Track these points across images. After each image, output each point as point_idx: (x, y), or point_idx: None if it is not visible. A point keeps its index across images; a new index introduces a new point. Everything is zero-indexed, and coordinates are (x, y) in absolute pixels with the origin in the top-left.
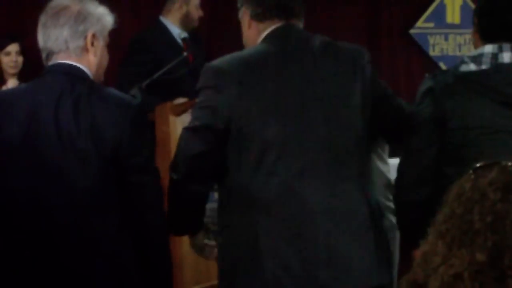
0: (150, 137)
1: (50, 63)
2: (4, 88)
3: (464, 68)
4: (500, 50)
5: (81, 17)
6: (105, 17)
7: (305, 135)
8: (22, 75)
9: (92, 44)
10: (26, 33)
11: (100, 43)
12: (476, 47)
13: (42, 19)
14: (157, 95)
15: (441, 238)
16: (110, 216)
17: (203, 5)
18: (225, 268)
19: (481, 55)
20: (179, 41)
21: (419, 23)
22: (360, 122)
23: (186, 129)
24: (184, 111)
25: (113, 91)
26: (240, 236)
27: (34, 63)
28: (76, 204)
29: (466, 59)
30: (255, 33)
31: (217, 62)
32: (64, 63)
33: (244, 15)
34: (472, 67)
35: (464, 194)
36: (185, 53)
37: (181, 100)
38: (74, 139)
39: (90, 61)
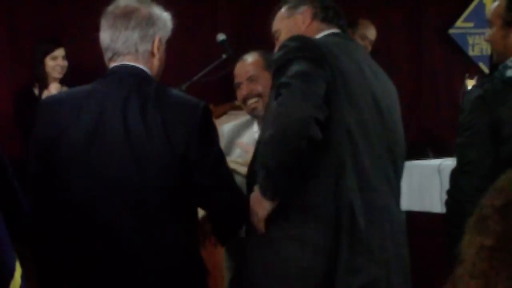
0: (217, 139)
1: (115, 64)
2: (46, 92)
3: (510, 73)
4: None
5: (151, 21)
6: (169, 23)
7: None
8: (65, 79)
9: (158, 48)
10: (67, 39)
11: (162, 48)
12: None
13: (109, 19)
14: (197, 97)
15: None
16: (175, 219)
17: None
18: None
19: None
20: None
21: (459, 22)
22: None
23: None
24: (224, 113)
25: (179, 93)
26: None
27: (74, 68)
28: (142, 207)
29: (510, 64)
30: (314, 31)
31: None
32: (130, 65)
33: (305, 13)
34: None
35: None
36: (223, 56)
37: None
38: (143, 140)
39: (153, 65)
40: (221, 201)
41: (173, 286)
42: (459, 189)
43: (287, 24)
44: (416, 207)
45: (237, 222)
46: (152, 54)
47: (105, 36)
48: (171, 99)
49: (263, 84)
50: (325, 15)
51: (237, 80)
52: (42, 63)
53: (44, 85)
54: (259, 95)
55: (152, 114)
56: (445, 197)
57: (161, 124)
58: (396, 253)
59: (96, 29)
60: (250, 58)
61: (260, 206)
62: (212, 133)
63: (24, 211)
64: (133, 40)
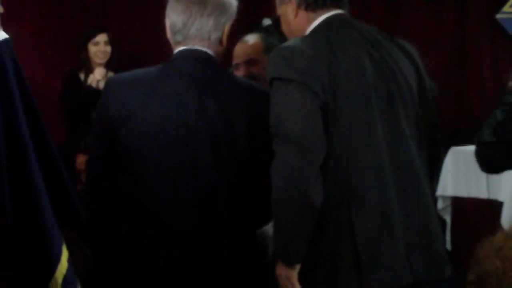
0: None
1: (182, 47)
2: (91, 77)
3: None
4: None
5: (224, 9)
6: (235, 9)
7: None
8: (109, 64)
9: (227, 36)
10: (112, 24)
11: (227, 36)
12: None
13: (182, 3)
14: None
15: None
16: (236, 204)
17: None
18: None
19: None
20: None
21: (506, 7)
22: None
23: None
24: None
25: (242, 78)
26: None
27: (119, 52)
28: (205, 191)
29: None
30: (304, 23)
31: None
32: (202, 50)
33: (289, 5)
34: None
35: None
36: None
37: None
38: (218, 128)
39: (219, 52)
40: (267, 190)
41: (234, 278)
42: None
43: (281, 11)
44: (463, 192)
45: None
46: (220, 42)
47: (177, 20)
48: (243, 86)
49: (261, 67)
50: (310, 1)
51: (235, 61)
52: (85, 49)
53: (89, 70)
54: (256, 78)
55: (225, 102)
56: (492, 183)
57: (235, 110)
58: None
59: (143, 14)
60: (251, 40)
61: (288, 280)
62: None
63: (72, 196)
64: (208, 28)
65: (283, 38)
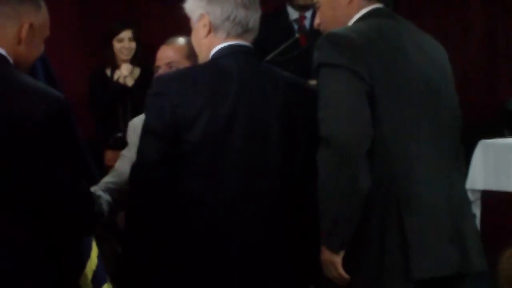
0: None
1: (231, 42)
2: (118, 73)
3: None
4: None
5: (257, 2)
6: None
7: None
8: (134, 60)
9: None
10: (138, 20)
11: None
12: None
13: None
14: None
15: None
16: (299, 196)
17: None
18: None
19: None
20: (293, 22)
21: None
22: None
23: None
24: None
25: (291, 75)
26: None
27: (145, 48)
28: (273, 190)
29: None
30: (354, 10)
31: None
32: (248, 45)
33: None
34: None
35: None
36: (297, 35)
37: None
38: (282, 121)
39: None
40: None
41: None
42: None
43: (333, 3)
44: (493, 186)
45: None
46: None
47: (240, 12)
48: (293, 81)
49: None
50: None
51: (157, 63)
52: (109, 45)
53: (115, 66)
54: None
55: (284, 96)
56: None
57: (292, 106)
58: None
59: (168, 9)
60: (174, 43)
61: (333, 266)
62: None
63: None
64: (257, 20)
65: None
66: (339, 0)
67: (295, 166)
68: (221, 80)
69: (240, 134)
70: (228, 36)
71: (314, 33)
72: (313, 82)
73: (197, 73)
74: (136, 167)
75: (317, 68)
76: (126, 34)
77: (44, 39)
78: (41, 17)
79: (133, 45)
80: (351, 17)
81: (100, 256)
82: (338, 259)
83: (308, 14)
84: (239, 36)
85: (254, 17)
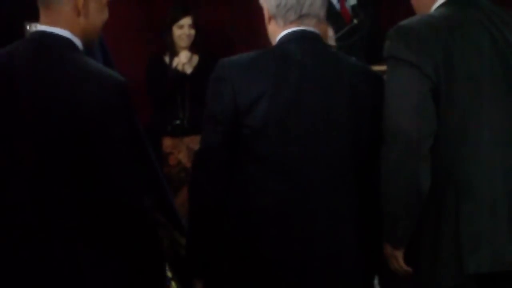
0: None
1: (294, 28)
2: (176, 60)
3: None
4: None
5: None
6: None
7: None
8: (193, 47)
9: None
10: (199, 6)
11: None
12: None
13: None
14: None
15: None
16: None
17: None
18: None
19: None
20: (336, 4)
21: None
22: None
23: None
24: None
25: (354, 60)
26: None
27: (205, 35)
28: (339, 179)
29: None
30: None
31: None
32: (313, 31)
33: None
34: None
35: None
36: (355, 21)
37: None
38: (347, 108)
39: (324, 33)
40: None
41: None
42: None
43: None
44: None
45: None
46: (323, 20)
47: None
48: (360, 67)
49: None
50: None
51: None
52: (169, 32)
53: (174, 53)
54: None
55: (350, 83)
56: None
57: (359, 93)
58: None
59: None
60: None
61: (394, 259)
62: None
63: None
64: (318, 3)
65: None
66: None
67: (362, 154)
68: (282, 65)
69: (303, 120)
70: (286, 23)
71: (357, 12)
72: (377, 67)
73: (258, 58)
74: (199, 153)
75: (386, 59)
76: (186, 21)
77: (105, 3)
78: None
79: (192, 32)
80: (429, 7)
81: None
82: (399, 253)
83: None
84: (295, 22)
85: (309, 2)
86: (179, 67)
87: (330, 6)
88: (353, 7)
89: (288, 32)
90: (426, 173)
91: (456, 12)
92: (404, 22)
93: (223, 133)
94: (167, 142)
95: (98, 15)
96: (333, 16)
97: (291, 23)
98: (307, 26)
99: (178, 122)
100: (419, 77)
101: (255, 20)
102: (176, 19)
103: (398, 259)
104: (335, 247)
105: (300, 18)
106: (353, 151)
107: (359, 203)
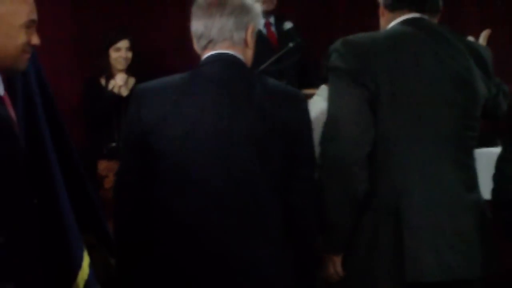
0: None
1: (210, 52)
2: (113, 82)
3: None
4: None
5: (245, 9)
6: (260, 14)
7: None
8: (129, 70)
9: (251, 37)
10: (136, 29)
11: (254, 39)
12: None
13: (203, 7)
14: None
15: None
16: (279, 211)
17: None
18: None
19: None
20: (262, 29)
21: None
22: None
23: None
24: None
25: (276, 81)
26: None
27: (142, 58)
28: (245, 197)
29: None
30: (385, 22)
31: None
32: (228, 53)
33: (381, 5)
34: None
35: None
36: (290, 44)
37: None
38: (251, 129)
39: (247, 54)
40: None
41: None
42: (503, 175)
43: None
44: (486, 196)
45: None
46: (246, 42)
47: (199, 24)
48: (274, 88)
49: None
50: (392, 1)
51: None
52: (106, 54)
53: (110, 76)
54: None
55: (259, 104)
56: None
57: (268, 114)
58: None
59: (164, 19)
60: None
61: (332, 263)
62: (311, 124)
63: (93, 201)
64: (229, 27)
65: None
66: (380, 16)
67: (276, 173)
68: (191, 87)
69: (205, 140)
70: (202, 49)
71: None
72: (309, 91)
73: (171, 81)
74: (117, 174)
75: (329, 70)
76: (124, 44)
77: (18, 25)
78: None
79: (129, 54)
80: (387, 24)
81: (92, 266)
82: (337, 258)
83: (272, 19)
84: (209, 47)
85: (217, 26)
86: (115, 90)
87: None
88: (288, 30)
89: (206, 57)
90: (362, 180)
91: (403, 30)
92: (350, 36)
93: (134, 158)
94: (103, 165)
95: (7, 40)
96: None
97: (206, 48)
98: (222, 50)
99: (113, 144)
100: (357, 86)
101: (191, 44)
102: (113, 42)
103: (335, 264)
104: (249, 263)
105: (211, 43)
106: (265, 170)
107: (278, 219)
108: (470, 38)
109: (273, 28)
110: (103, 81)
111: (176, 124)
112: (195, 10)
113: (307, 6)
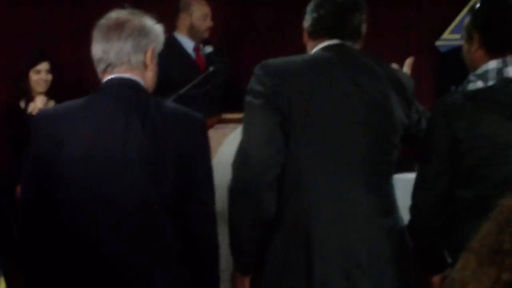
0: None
1: (109, 76)
2: (32, 105)
3: (471, 86)
4: (505, 64)
5: (144, 32)
6: (162, 34)
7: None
8: (49, 92)
9: (151, 60)
10: (56, 52)
11: (155, 60)
12: (479, 63)
13: (101, 31)
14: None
15: (474, 254)
16: (170, 242)
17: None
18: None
19: (486, 72)
20: (191, 53)
21: (445, 34)
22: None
23: None
24: (210, 127)
25: (175, 105)
26: None
27: (62, 80)
28: (140, 220)
29: (472, 78)
30: (310, 48)
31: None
32: (125, 77)
33: (304, 33)
34: (480, 84)
35: (502, 214)
36: (210, 68)
37: None
38: (145, 152)
39: (147, 77)
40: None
41: None
42: (417, 205)
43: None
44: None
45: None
46: (145, 65)
47: (98, 48)
48: (170, 111)
49: None
50: (313, 29)
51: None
52: (25, 77)
53: (30, 99)
54: None
55: (153, 127)
56: None
57: (162, 137)
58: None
59: (85, 41)
60: None
61: (241, 283)
62: (208, 147)
63: (9, 225)
64: (126, 50)
65: (222, 65)
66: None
67: (169, 198)
68: (87, 110)
69: (99, 165)
70: (102, 73)
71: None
72: (233, 115)
73: (68, 106)
74: (17, 200)
75: (247, 92)
76: (44, 66)
77: None
78: None
79: (49, 77)
80: (312, 49)
81: None
82: (246, 279)
83: (201, 44)
84: (107, 71)
85: (114, 49)
86: (35, 113)
87: (185, 54)
88: (208, 54)
89: (105, 80)
90: (270, 201)
91: (321, 55)
92: (270, 59)
93: (35, 185)
94: None
95: None
96: (187, 64)
97: (105, 72)
98: (120, 73)
99: None
100: (270, 108)
101: None
102: (33, 64)
103: (245, 284)
104: (140, 284)
105: (110, 66)
106: (159, 193)
107: (174, 242)
108: (394, 66)
109: (201, 52)
110: (22, 104)
111: (72, 148)
112: (95, 34)
113: (231, 29)
